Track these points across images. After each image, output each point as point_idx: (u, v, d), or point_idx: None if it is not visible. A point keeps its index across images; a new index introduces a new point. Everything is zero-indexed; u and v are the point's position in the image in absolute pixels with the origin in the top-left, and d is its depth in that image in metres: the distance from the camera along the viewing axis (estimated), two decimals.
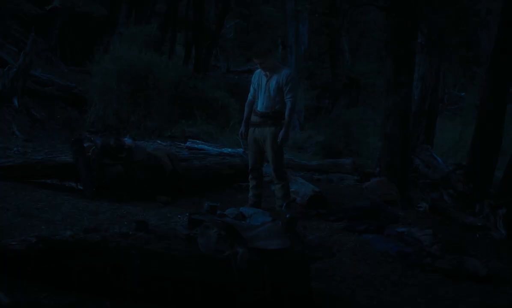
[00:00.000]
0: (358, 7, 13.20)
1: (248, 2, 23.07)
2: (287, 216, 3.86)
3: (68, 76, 13.62)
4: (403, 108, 7.70)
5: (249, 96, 6.17)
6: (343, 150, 14.65)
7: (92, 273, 3.20)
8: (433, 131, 10.38)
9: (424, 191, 8.22)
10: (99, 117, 11.59)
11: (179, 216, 5.55)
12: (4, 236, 3.80)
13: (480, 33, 15.33)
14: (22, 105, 10.42)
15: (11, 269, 3.11)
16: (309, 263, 3.77)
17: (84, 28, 16.93)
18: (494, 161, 8.34)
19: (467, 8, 11.66)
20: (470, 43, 15.38)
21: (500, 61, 8.20)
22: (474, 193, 7.67)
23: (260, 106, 5.99)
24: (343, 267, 4.74)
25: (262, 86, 5.97)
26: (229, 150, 9.77)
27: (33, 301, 2.96)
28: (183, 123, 12.52)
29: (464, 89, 22.79)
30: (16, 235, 3.84)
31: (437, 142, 11.46)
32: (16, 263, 3.11)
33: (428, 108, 10.05)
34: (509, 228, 6.27)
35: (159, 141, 10.69)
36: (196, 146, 10.27)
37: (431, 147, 9.93)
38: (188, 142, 10.64)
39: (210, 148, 10.09)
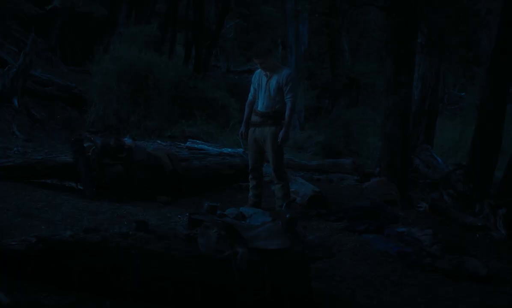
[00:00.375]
0: (358, 7, 13.20)
1: (248, 2, 23.06)
2: (287, 216, 3.86)
3: (68, 76, 13.62)
4: (403, 108, 7.70)
5: (249, 96, 6.18)
6: (343, 150, 14.65)
7: (92, 273, 3.20)
8: (433, 131, 10.38)
9: (424, 191, 8.22)
10: (99, 117, 11.59)
11: (179, 216, 5.55)
12: (4, 236, 3.79)
13: (480, 33, 15.33)
14: (22, 105, 10.42)
15: (11, 269, 3.11)
16: (309, 263, 3.77)
17: (84, 28, 16.93)
18: (494, 161, 8.34)
19: (467, 8, 11.65)
20: (470, 43, 15.38)
21: (500, 61, 8.20)
22: (474, 193, 7.67)
23: (260, 106, 5.99)
24: (343, 267, 4.74)
25: (262, 86, 5.97)
26: (229, 150, 9.77)
27: (33, 301, 2.96)
28: (183, 123, 12.52)
29: (464, 89, 22.78)
30: (16, 235, 3.84)
31: (437, 142, 11.45)
32: (16, 263, 3.11)
33: (428, 108, 10.05)
34: (509, 228, 6.27)
35: (159, 141, 10.70)
36: (196, 146, 10.28)
37: (431, 147, 9.93)
38: (188, 142, 10.64)
39: (210, 148, 10.10)
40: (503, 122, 8.32)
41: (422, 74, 9.92)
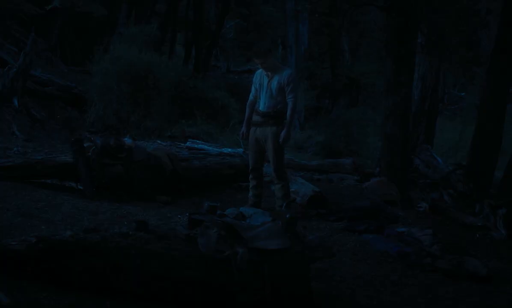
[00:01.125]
0: (358, 7, 13.20)
1: (248, 2, 23.07)
2: (287, 216, 3.86)
3: (68, 76, 13.62)
4: (403, 108, 7.71)
5: (250, 96, 6.18)
6: (343, 150, 14.65)
7: (92, 273, 3.20)
8: (433, 131, 10.38)
9: (424, 191, 8.22)
10: (99, 117, 11.60)
11: (179, 216, 5.55)
12: (4, 236, 3.79)
13: (480, 33, 15.33)
14: (22, 105, 10.42)
15: (11, 269, 3.11)
16: (309, 263, 3.77)
17: (84, 28, 16.94)
18: (494, 161, 8.34)
19: (467, 8, 11.66)
20: (470, 43, 15.38)
21: (500, 61, 8.20)
22: (474, 193, 7.67)
23: (262, 106, 6.00)
24: (343, 267, 4.74)
25: (264, 86, 5.98)
26: (229, 150, 9.78)
27: (33, 301, 2.96)
28: (183, 123, 12.52)
29: (464, 89, 22.79)
30: (16, 235, 3.84)
31: (437, 142, 11.45)
32: (16, 263, 3.11)
33: (428, 108, 10.05)
34: (509, 228, 6.27)
35: (159, 141, 10.70)
36: (196, 146, 10.28)
37: (431, 147, 9.93)
38: (188, 142, 10.65)
39: (210, 148, 10.10)
40: (503, 122, 8.32)
41: (422, 74, 9.92)
